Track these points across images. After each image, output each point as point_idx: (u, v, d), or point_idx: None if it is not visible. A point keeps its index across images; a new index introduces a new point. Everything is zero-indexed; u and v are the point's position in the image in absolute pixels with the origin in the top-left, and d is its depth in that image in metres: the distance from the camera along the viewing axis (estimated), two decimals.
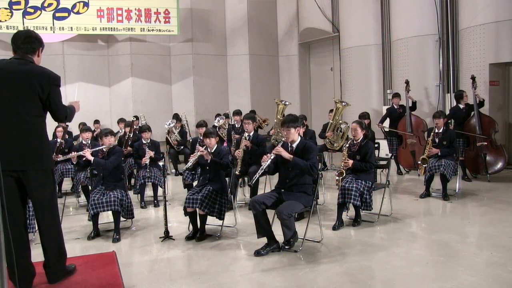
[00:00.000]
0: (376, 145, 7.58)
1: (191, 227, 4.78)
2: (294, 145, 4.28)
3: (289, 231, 4.08)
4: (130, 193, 5.73)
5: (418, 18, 8.83)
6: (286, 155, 4.12)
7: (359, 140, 5.21)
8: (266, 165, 4.15)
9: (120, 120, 8.95)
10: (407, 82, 8.21)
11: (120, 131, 8.59)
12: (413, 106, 8.16)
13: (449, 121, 7.18)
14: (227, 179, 5.28)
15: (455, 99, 7.53)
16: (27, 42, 3.26)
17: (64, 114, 3.37)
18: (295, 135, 4.28)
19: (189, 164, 4.88)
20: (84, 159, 5.19)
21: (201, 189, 4.70)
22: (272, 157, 4.16)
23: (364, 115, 7.90)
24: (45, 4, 10.01)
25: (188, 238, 4.66)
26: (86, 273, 3.68)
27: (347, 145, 5.31)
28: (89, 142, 6.59)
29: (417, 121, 8.02)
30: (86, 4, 10.32)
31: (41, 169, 3.25)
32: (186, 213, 4.72)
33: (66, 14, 10.18)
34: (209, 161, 4.75)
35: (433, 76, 8.88)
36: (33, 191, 3.25)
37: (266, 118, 9.43)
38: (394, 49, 9.54)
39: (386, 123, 8.49)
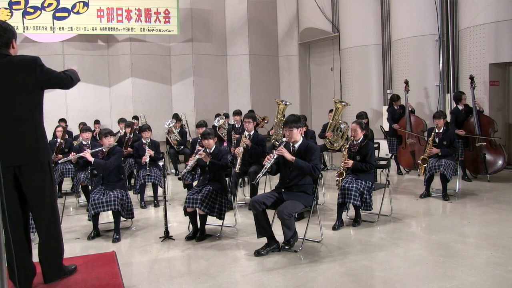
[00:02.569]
0: (376, 145, 7.58)
1: (191, 227, 4.78)
2: (296, 146, 4.29)
3: (289, 231, 4.08)
4: (130, 193, 5.73)
5: (418, 18, 8.84)
6: (288, 156, 4.12)
7: (359, 141, 5.21)
8: (269, 164, 4.15)
9: (121, 120, 8.96)
10: (406, 82, 8.22)
11: (121, 131, 8.60)
12: (412, 111, 8.17)
13: (448, 122, 7.19)
14: (227, 179, 5.28)
15: (454, 101, 7.53)
16: None
17: (68, 78, 3.28)
18: (298, 135, 4.28)
19: (188, 167, 4.88)
20: (84, 159, 5.20)
21: (201, 189, 4.70)
22: (275, 157, 4.16)
23: (362, 115, 7.90)
24: (45, 4, 10.01)
25: (188, 238, 4.66)
26: (86, 273, 3.68)
27: (347, 146, 5.31)
28: (89, 142, 6.59)
29: (416, 121, 8.03)
30: (86, 4, 10.32)
31: (38, 163, 3.20)
32: (186, 213, 4.73)
33: (66, 14, 10.18)
34: (208, 163, 4.75)
35: (433, 76, 8.88)
36: (30, 186, 3.19)
37: (265, 116, 9.43)
38: (394, 49, 9.55)
39: (386, 125, 8.52)
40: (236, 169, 5.84)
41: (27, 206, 3.34)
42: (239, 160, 5.95)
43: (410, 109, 8.07)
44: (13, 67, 3.13)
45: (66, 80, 3.29)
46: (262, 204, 4.11)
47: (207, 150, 4.86)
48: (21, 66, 3.15)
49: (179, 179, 5.52)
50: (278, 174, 4.42)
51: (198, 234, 4.66)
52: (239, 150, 5.98)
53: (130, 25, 10.77)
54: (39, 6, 9.97)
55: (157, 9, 10.94)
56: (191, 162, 4.85)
